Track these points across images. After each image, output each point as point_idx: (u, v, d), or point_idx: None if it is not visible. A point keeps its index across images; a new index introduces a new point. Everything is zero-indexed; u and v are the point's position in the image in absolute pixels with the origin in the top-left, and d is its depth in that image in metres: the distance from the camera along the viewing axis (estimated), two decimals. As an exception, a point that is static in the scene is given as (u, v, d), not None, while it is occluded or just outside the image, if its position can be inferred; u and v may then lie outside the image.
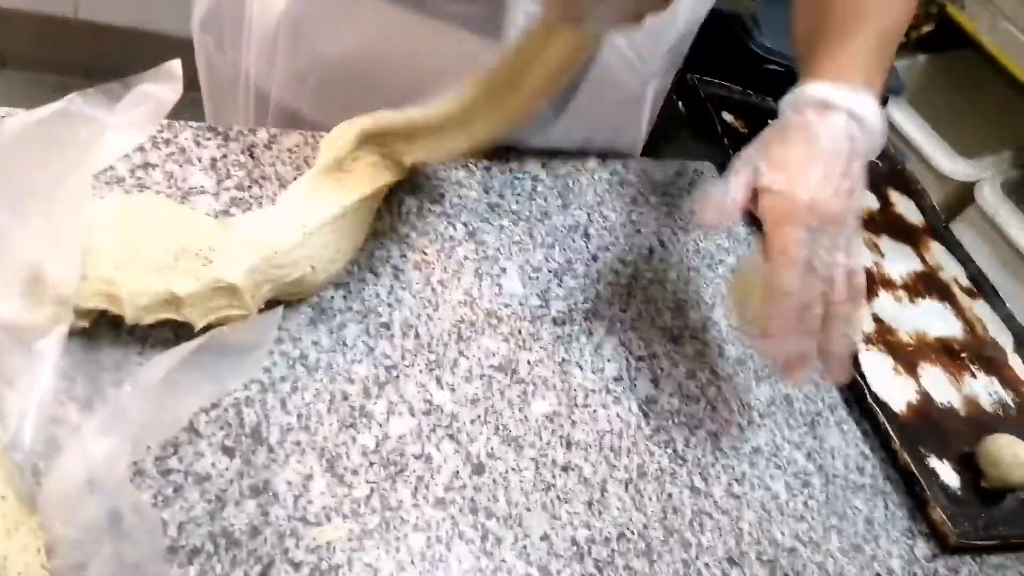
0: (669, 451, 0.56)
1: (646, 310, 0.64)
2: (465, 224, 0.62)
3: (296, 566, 0.41)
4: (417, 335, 0.53)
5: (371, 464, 0.46)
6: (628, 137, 0.76)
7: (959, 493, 0.66)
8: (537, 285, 0.61)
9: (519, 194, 0.66)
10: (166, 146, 0.55)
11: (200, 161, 0.55)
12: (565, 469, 0.52)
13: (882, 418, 0.66)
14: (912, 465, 0.64)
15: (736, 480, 0.57)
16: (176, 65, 0.44)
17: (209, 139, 0.57)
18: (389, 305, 0.54)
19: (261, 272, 0.46)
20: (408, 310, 0.54)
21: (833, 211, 0.48)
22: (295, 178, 0.57)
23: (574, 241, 0.66)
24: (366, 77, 0.62)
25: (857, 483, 0.63)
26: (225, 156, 0.56)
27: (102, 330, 0.44)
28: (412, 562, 0.44)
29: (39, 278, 0.39)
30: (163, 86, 0.44)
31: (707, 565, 0.52)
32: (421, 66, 0.60)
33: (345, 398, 0.48)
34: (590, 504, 0.51)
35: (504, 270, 0.60)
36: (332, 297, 0.52)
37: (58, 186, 0.40)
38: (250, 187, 0.56)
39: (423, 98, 0.53)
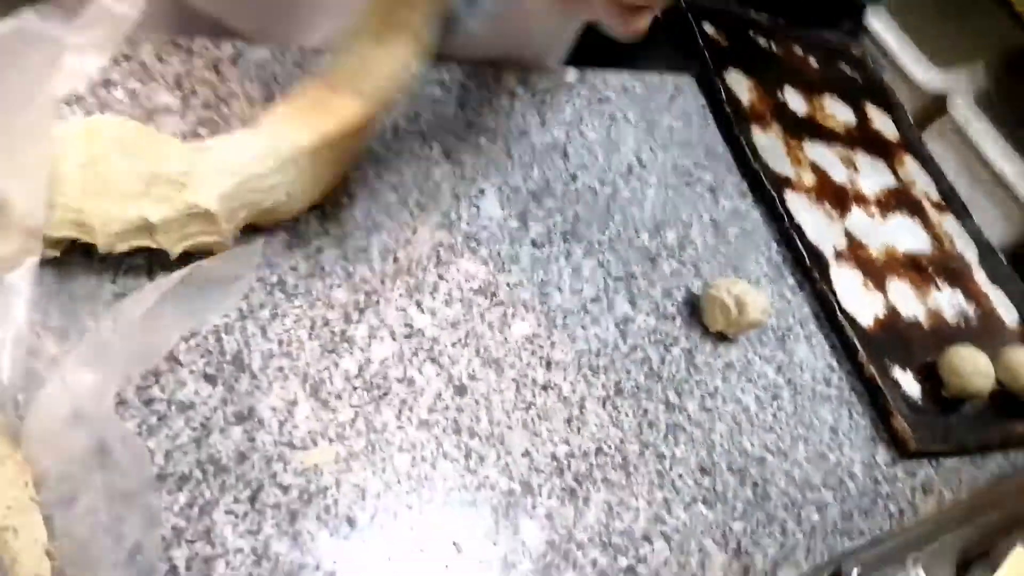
0: (645, 368, 0.57)
1: (624, 230, 0.64)
2: (441, 143, 0.60)
3: (285, 489, 0.42)
4: (396, 259, 0.53)
5: (355, 389, 0.47)
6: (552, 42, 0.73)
7: (920, 402, 0.68)
8: (515, 206, 0.60)
9: (496, 111, 0.65)
10: (126, 62, 0.52)
11: (164, 79, 0.53)
12: (545, 388, 0.53)
13: (850, 332, 0.68)
14: (876, 377, 0.66)
15: (709, 395, 0.59)
16: (134, -23, 0.42)
17: (171, 54, 0.54)
18: (367, 229, 0.53)
19: (236, 198, 0.45)
20: (386, 234, 0.54)
21: None
22: (264, 96, 0.55)
23: (552, 160, 0.65)
24: None
25: (824, 394, 0.65)
26: (190, 72, 0.54)
27: (74, 259, 0.43)
28: (398, 481, 0.45)
29: (4, 209, 0.38)
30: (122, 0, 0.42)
31: (680, 475, 0.54)
32: None
33: (326, 324, 0.48)
34: (569, 421, 0.52)
35: (482, 191, 0.60)
36: (308, 221, 0.52)
37: (17, 112, 0.38)
38: (217, 105, 0.54)
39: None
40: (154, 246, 0.44)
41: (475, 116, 0.63)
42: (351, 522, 0.42)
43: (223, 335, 0.45)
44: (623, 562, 0.48)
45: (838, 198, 0.80)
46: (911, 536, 0.58)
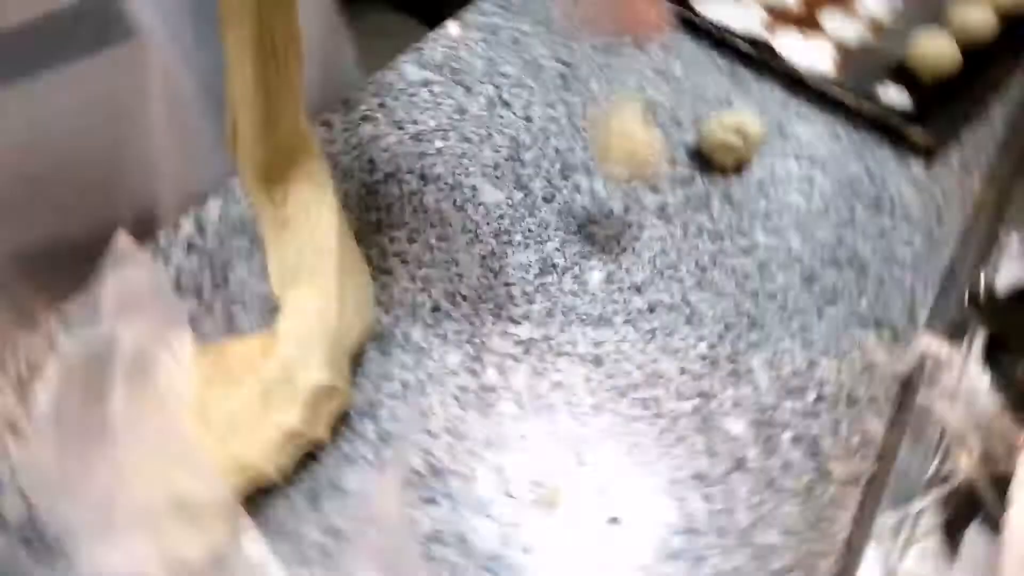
0: (703, 235, 0.61)
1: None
2: (387, 154, 0.62)
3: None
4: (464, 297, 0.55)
5: (524, 416, 0.50)
6: None
7: (915, 106, 0.73)
8: (505, 183, 0.62)
9: (418, 107, 0.66)
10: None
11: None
12: (651, 310, 0.56)
13: (825, 86, 0.72)
14: (874, 108, 0.71)
15: (765, 216, 0.63)
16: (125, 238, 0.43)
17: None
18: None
19: (336, 358, 0.47)
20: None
21: None
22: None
23: (502, 118, 0.67)
24: None
25: (842, 153, 0.69)
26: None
27: (262, 496, 0.45)
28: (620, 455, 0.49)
29: (189, 507, 0.40)
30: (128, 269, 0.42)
31: (796, 295, 0.58)
32: None
33: (464, 390, 0.51)
34: (689, 322, 0.56)
35: (475, 188, 0.62)
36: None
37: (134, 410, 0.40)
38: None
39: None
40: (312, 442, 0.46)
41: (405, 118, 0.64)
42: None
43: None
44: (810, 397, 0.53)
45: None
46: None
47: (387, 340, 0.53)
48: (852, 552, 0.46)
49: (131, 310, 0.41)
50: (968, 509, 0.45)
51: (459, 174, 0.63)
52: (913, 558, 0.44)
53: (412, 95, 0.69)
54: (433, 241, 0.59)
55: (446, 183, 0.62)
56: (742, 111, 0.66)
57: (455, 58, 0.72)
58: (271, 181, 0.50)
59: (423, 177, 0.63)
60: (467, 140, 0.66)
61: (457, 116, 0.67)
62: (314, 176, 0.51)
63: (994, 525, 0.44)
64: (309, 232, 0.50)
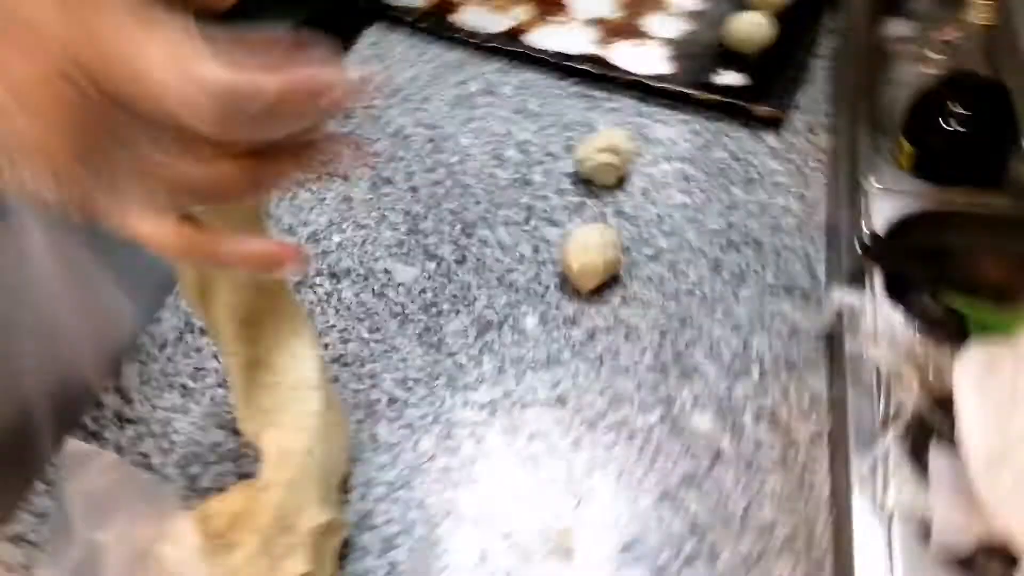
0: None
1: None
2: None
3: None
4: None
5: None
6: None
7: (749, 80, 0.79)
8: (415, 258, 0.64)
9: (303, 208, 0.66)
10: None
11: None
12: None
13: (669, 85, 0.77)
14: (709, 89, 0.77)
15: (658, 218, 0.67)
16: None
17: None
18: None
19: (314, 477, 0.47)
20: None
21: None
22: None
23: (388, 195, 0.68)
24: None
25: (701, 153, 0.74)
26: (127, 437, 0.53)
27: None
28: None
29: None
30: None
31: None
32: None
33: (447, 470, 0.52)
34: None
35: (387, 271, 0.62)
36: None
37: None
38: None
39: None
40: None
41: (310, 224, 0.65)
42: (622, 549, 0.49)
43: (409, 554, 0.48)
44: (755, 374, 0.57)
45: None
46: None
47: (358, 447, 0.53)
48: (840, 505, 0.50)
49: (109, 514, 0.39)
50: (924, 433, 0.50)
51: (367, 262, 0.64)
52: (894, 491, 0.48)
53: (292, 197, 0.69)
54: (366, 335, 0.59)
55: (358, 274, 0.63)
56: (608, 130, 0.70)
57: (323, 149, 0.72)
58: (245, 323, 0.48)
59: (334, 275, 0.63)
60: (363, 227, 0.66)
61: (345, 206, 0.68)
62: (287, 310, 0.49)
63: (950, 439, 0.49)
64: (286, 370, 0.48)
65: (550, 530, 0.49)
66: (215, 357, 0.57)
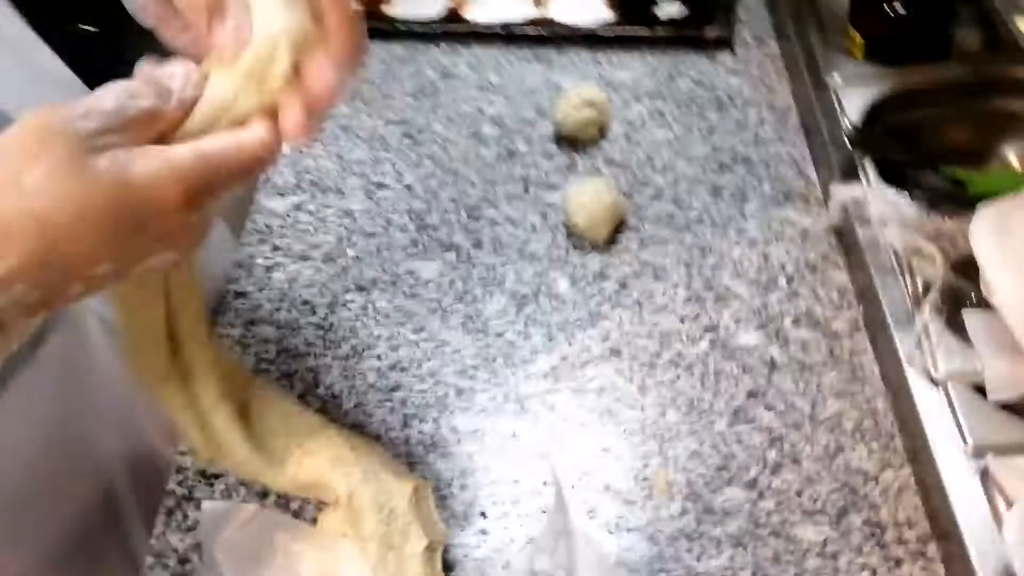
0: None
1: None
2: (314, 289, 0.62)
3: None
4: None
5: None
6: None
7: (684, 13, 0.80)
8: (433, 253, 0.64)
9: (308, 231, 0.66)
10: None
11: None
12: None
13: (624, 30, 0.78)
14: (662, 26, 0.78)
15: (650, 155, 0.68)
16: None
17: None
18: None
19: None
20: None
21: None
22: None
23: (387, 199, 0.68)
24: None
25: (676, 93, 0.75)
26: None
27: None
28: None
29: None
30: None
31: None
32: None
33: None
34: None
35: (411, 271, 0.63)
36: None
37: None
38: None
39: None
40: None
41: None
42: (714, 472, 0.51)
43: (523, 530, 0.49)
44: (782, 282, 0.60)
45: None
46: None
47: (439, 444, 0.54)
48: (896, 384, 0.53)
49: (260, 561, 0.39)
50: (956, 301, 0.53)
51: (389, 268, 0.64)
52: (943, 362, 0.51)
53: (294, 223, 0.68)
54: (413, 337, 0.59)
55: (384, 281, 0.63)
56: (577, 86, 0.71)
57: (306, 171, 0.71)
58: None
59: (361, 288, 0.63)
60: (373, 235, 0.66)
61: (348, 220, 0.67)
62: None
63: (980, 301, 0.52)
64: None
65: (645, 473, 0.51)
66: (274, 395, 0.57)
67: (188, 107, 0.34)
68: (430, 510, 0.48)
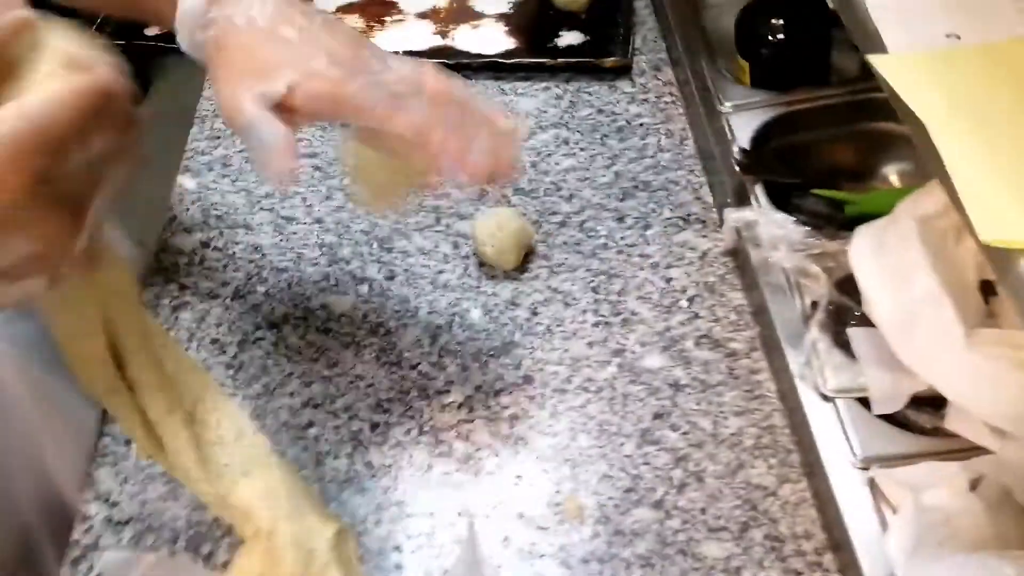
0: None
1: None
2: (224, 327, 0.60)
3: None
4: (391, 399, 0.56)
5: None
6: None
7: (585, 41, 0.81)
8: (346, 286, 0.63)
9: (216, 269, 0.64)
10: None
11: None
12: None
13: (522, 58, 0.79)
14: (553, 55, 0.78)
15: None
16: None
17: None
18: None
19: None
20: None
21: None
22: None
23: (296, 234, 0.66)
24: None
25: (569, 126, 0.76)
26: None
27: None
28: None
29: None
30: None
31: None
32: None
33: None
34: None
35: (324, 305, 0.62)
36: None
37: None
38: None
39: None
40: None
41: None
42: (624, 494, 0.52)
43: (440, 563, 0.49)
44: (683, 304, 0.61)
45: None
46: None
47: (354, 480, 0.53)
48: (790, 400, 0.54)
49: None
50: (841, 318, 0.55)
51: (300, 303, 0.62)
52: (831, 377, 0.53)
53: (200, 261, 0.66)
54: (327, 372, 0.58)
55: (296, 317, 0.61)
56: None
57: (212, 207, 0.69)
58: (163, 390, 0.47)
59: (273, 325, 0.61)
60: (283, 270, 0.65)
61: (257, 256, 0.66)
62: (192, 366, 0.48)
63: (862, 317, 0.54)
64: (220, 424, 0.48)
65: (557, 499, 0.51)
66: (185, 438, 0.55)
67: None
68: (351, 554, 0.47)
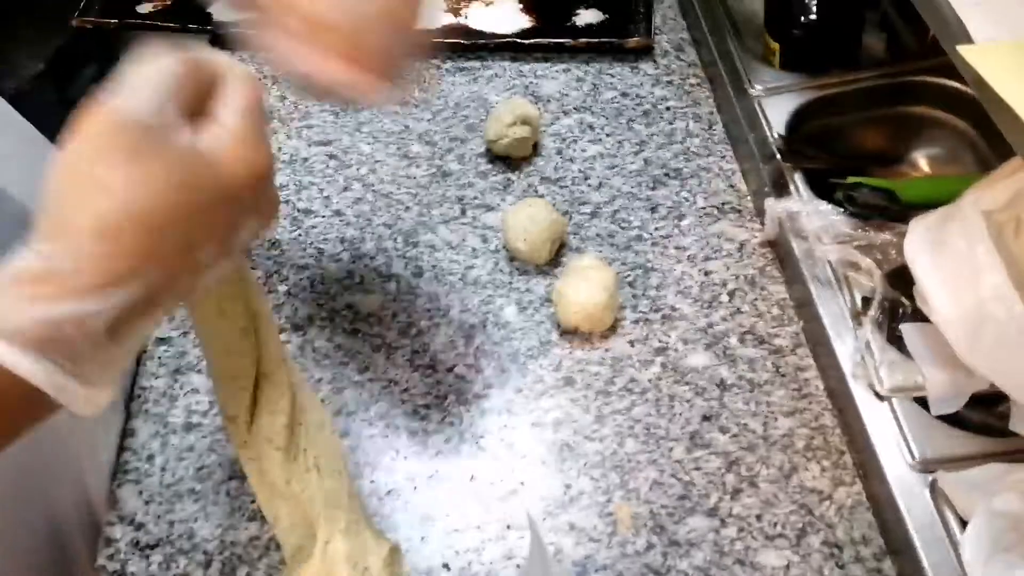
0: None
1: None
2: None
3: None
4: (428, 405, 0.52)
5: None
6: None
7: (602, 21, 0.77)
8: (373, 285, 0.59)
9: (258, 263, 0.60)
10: None
11: None
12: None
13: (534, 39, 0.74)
14: (576, 32, 0.74)
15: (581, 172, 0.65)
16: None
17: None
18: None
19: None
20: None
21: None
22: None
23: (315, 228, 0.62)
24: None
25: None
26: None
27: None
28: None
29: None
30: None
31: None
32: None
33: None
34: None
35: (350, 306, 0.57)
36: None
37: None
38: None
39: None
40: None
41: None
42: (677, 502, 0.48)
43: None
44: (724, 299, 0.57)
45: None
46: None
47: (395, 493, 0.49)
48: (842, 399, 0.51)
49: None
50: (891, 313, 0.52)
51: (325, 303, 0.58)
52: (887, 376, 0.50)
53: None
54: (357, 377, 0.54)
55: (321, 318, 0.57)
56: (508, 102, 0.66)
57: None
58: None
59: (297, 327, 0.57)
60: (304, 268, 0.60)
61: (276, 252, 0.61)
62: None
63: (915, 312, 0.51)
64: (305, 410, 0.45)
65: (608, 508, 0.48)
66: (212, 450, 0.51)
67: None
68: (402, 574, 0.44)
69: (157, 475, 0.50)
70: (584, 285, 0.54)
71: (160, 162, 0.28)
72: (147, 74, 0.30)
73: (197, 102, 0.31)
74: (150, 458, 0.51)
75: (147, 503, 0.49)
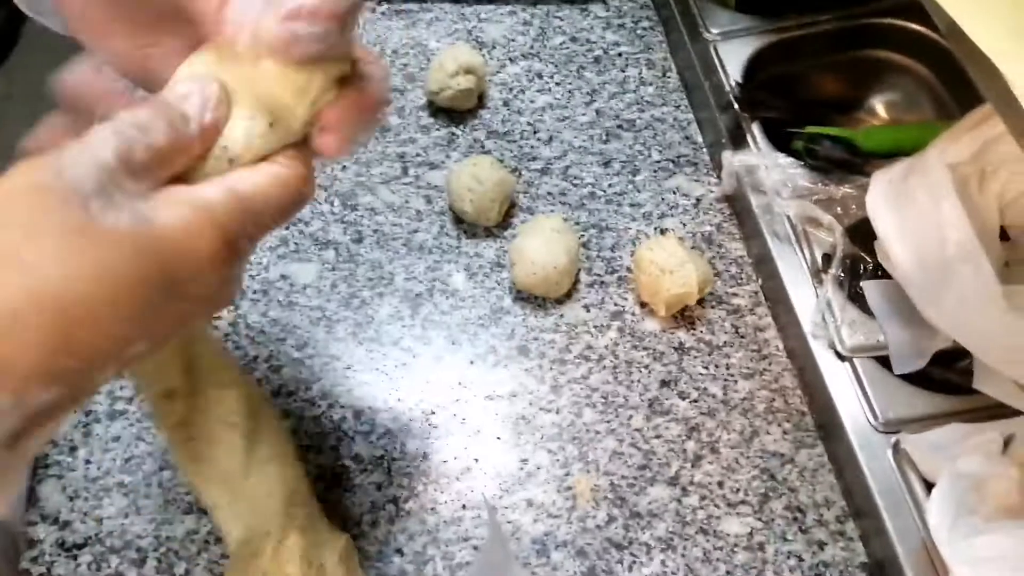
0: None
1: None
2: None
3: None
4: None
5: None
6: None
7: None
8: (307, 252, 0.54)
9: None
10: None
11: None
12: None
13: None
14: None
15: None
16: None
17: None
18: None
19: None
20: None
21: None
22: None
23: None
24: None
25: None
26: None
27: None
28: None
29: None
30: None
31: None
32: None
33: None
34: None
35: (284, 276, 0.53)
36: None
37: None
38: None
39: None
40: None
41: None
42: (637, 473, 0.47)
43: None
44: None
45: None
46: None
47: (341, 476, 0.46)
48: (802, 359, 0.50)
49: None
50: (852, 270, 0.51)
51: (258, 274, 0.54)
52: (847, 335, 0.49)
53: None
54: (296, 355, 0.50)
55: (255, 291, 0.53)
56: (450, 49, 0.61)
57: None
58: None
59: (229, 299, 0.52)
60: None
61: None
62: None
63: (876, 268, 0.49)
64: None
65: (567, 482, 0.46)
66: (140, 439, 0.47)
67: (211, 134, 0.26)
68: (356, 568, 0.41)
69: (81, 468, 0.46)
70: (546, 248, 0.50)
71: (95, 246, 0.23)
72: (115, 127, 0.24)
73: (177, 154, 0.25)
74: (72, 450, 0.47)
75: (71, 499, 0.46)
